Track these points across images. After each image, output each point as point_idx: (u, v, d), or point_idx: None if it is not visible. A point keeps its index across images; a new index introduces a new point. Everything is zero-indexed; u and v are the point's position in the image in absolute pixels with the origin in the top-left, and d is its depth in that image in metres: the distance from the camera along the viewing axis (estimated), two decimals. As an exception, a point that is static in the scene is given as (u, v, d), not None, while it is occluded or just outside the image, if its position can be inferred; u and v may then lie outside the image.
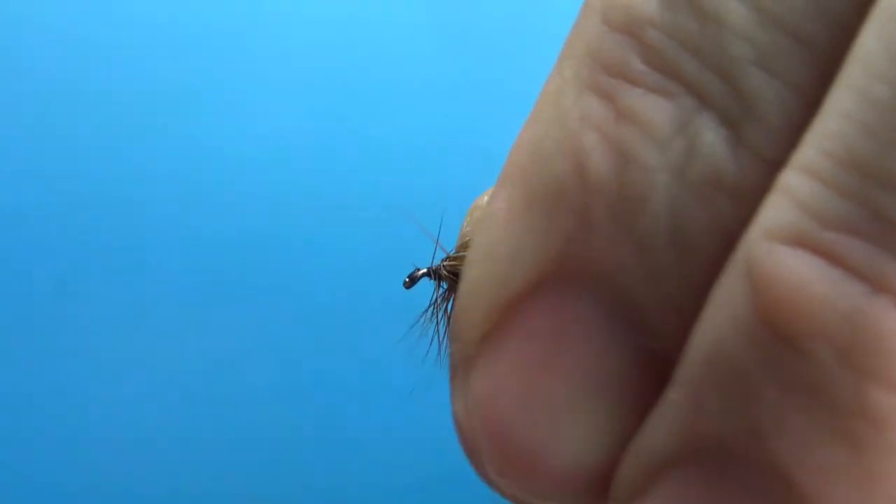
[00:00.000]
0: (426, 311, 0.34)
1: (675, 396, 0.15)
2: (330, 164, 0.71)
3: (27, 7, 0.74)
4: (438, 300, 0.34)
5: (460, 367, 0.17)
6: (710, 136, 0.15)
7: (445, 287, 0.34)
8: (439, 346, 0.33)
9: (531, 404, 0.16)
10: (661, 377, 0.16)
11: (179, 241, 0.69)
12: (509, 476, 0.17)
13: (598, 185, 0.15)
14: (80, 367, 0.65)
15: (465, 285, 0.17)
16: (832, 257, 0.14)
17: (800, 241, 0.14)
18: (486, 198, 0.34)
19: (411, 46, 0.72)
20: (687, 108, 0.15)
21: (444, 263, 0.34)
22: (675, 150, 0.15)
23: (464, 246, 0.33)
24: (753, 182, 0.15)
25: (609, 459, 0.16)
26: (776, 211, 0.14)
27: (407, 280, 0.34)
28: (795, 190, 0.14)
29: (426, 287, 0.35)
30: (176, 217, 0.69)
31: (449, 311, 0.34)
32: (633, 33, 0.15)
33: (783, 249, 0.14)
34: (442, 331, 0.34)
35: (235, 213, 0.70)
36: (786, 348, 0.14)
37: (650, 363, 0.16)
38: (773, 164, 0.15)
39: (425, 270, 0.34)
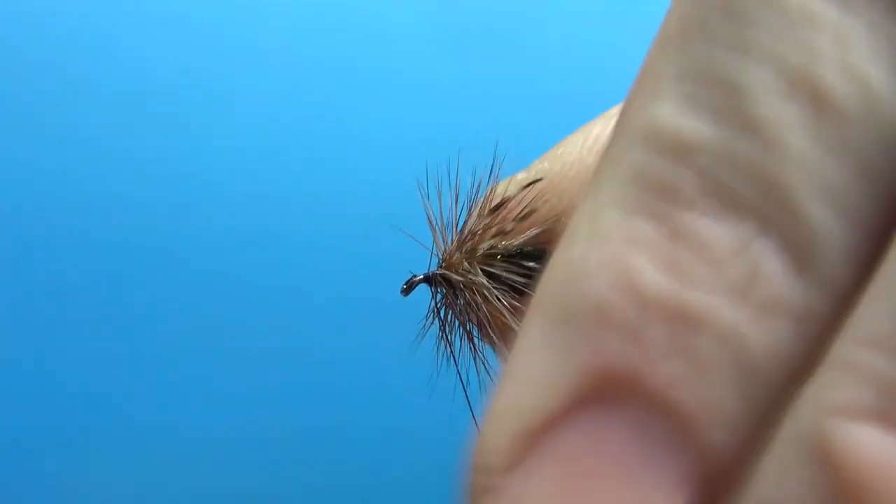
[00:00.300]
0: (425, 317, 0.34)
1: None
2: (330, 164, 0.71)
3: (28, 7, 0.74)
4: (436, 306, 0.34)
5: (483, 501, 0.16)
6: (772, 261, 0.15)
7: (442, 293, 0.34)
8: (437, 351, 0.34)
9: None
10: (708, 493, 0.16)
11: (180, 242, 0.69)
12: None
13: (650, 304, 0.15)
14: (79, 367, 0.65)
15: (490, 412, 0.17)
16: None
17: (876, 419, 0.14)
18: (521, 174, 0.34)
19: (411, 47, 0.72)
20: (746, 231, 0.15)
21: (440, 271, 0.35)
22: (735, 272, 0.15)
23: (492, 210, 0.33)
24: (816, 311, 0.15)
25: None
26: (850, 388, 0.14)
27: (404, 287, 0.34)
28: (865, 366, 0.14)
29: (424, 292, 0.35)
30: (177, 218, 0.69)
31: (446, 317, 0.35)
32: (684, 157, 0.15)
33: (859, 429, 0.14)
34: (440, 335, 0.34)
35: (236, 214, 0.70)
36: None
37: (696, 486, 0.16)
38: (835, 297, 0.15)
39: (422, 277, 0.35)
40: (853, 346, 0.14)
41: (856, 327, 0.14)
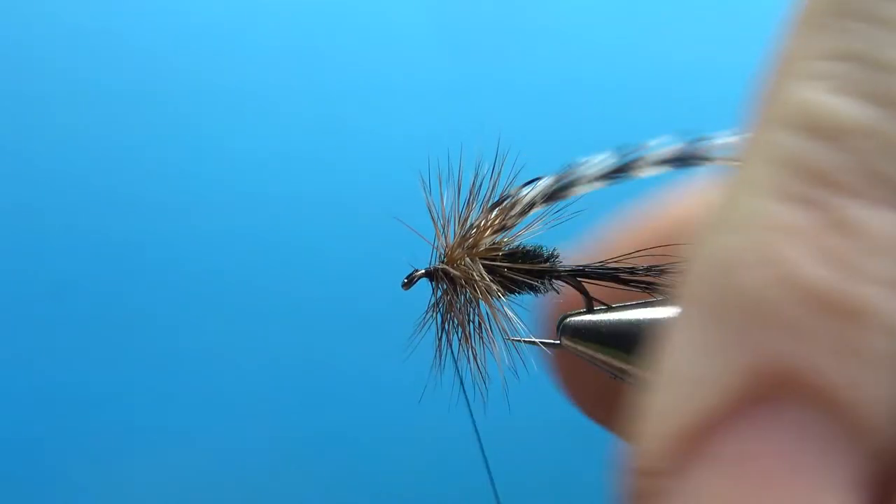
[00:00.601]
0: (426, 311, 0.34)
1: None
2: (329, 164, 0.71)
3: (29, 6, 0.74)
4: (437, 300, 0.34)
5: (651, 460, 0.16)
6: None
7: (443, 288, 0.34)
8: (438, 346, 0.34)
9: None
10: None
11: (180, 242, 0.69)
12: None
13: (814, 299, 0.15)
14: (79, 367, 0.65)
15: (649, 413, 0.16)
16: None
17: None
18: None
19: (414, 45, 0.72)
20: None
21: (441, 266, 0.35)
22: None
23: (509, 206, 0.33)
24: None
25: None
26: None
27: (405, 281, 0.34)
28: None
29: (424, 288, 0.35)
30: (177, 218, 0.69)
31: (447, 312, 0.35)
32: (842, 141, 0.15)
33: None
34: (439, 331, 0.34)
35: (236, 214, 0.70)
36: None
37: (869, 485, 0.15)
38: None
39: (424, 271, 0.35)
40: None
41: None
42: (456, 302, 0.34)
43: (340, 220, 0.68)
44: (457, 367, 0.33)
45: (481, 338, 0.34)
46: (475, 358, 0.33)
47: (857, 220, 0.14)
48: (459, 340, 0.34)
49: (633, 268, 0.33)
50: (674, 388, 0.16)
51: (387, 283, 0.35)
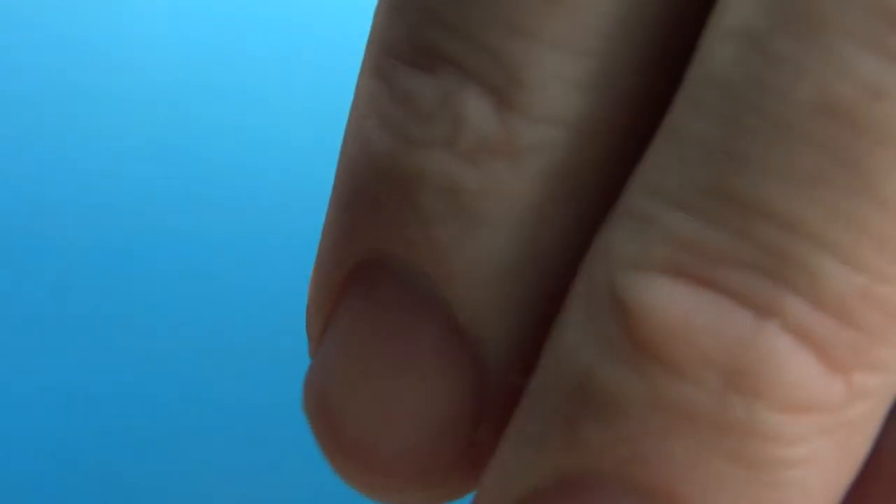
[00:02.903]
0: None
1: (535, 424, 0.14)
2: (329, 163, 0.71)
3: (28, 7, 0.74)
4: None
5: (310, 354, 0.17)
6: (474, 105, 0.15)
7: None
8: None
9: (357, 393, 0.16)
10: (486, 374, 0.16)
11: (179, 242, 0.69)
12: (346, 471, 0.16)
13: (377, 166, 0.15)
14: (79, 367, 0.65)
15: (313, 271, 0.17)
16: (714, 287, 0.13)
17: (675, 273, 0.13)
18: None
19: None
20: (449, 81, 0.15)
21: None
22: (441, 121, 0.15)
23: None
24: (525, 141, 0.15)
25: (440, 449, 0.16)
26: (639, 240, 0.14)
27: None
28: (660, 219, 0.14)
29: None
30: (176, 218, 0.69)
31: None
32: (401, 14, 0.15)
33: (658, 281, 0.14)
34: None
35: (236, 214, 0.70)
36: (671, 377, 0.13)
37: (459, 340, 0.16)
38: (546, 122, 0.15)
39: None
40: (644, 198, 0.14)
41: (645, 175, 0.14)
42: None
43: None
44: None
45: None
46: None
47: (404, 87, 0.15)
48: None
49: None
50: (321, 252, 0.16)
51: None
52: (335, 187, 0.16)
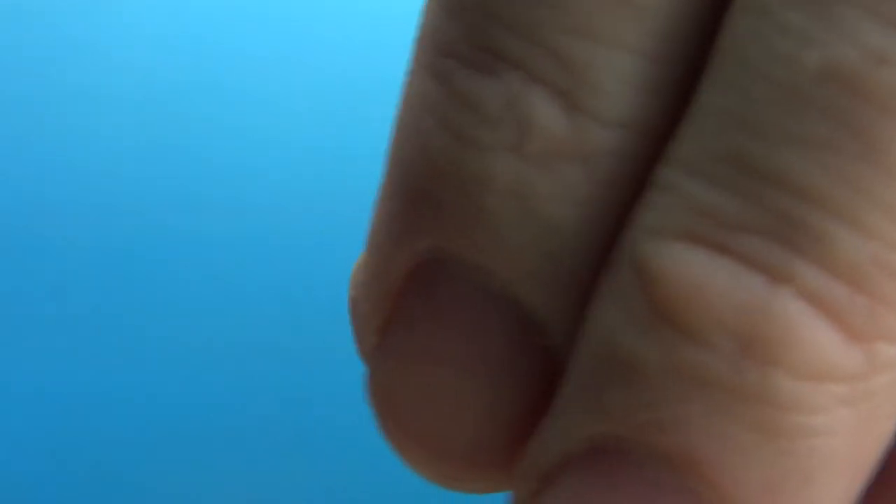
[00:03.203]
0: None
1: (569, 393, 0.15)
2: (329, 163, 0.71)
3: (28, 6, 0.74)
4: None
5: (365, 360, 0.17)
6: (541, 108, 0.15)
7: None
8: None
9: (429, 391, 0.16)
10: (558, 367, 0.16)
11: (180, 242, 0.69)
12: (419, 464, 0.17)
13: (439, 168, 0.15)
14: (79, 367, 0.65)
15: (358, 272, 0.17)
16: (728, 253, 0.14)
17: (692, 239, 0.14)
18: None
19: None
20: (514, 83, 0.15)
21: None
22: (507, 125, 0.15)
23: None
24: (595, 145, 0.15)
25: (510, 440, 0.16)
26: (661, 208, 0.14)
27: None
28: (680, 188, 0.14)
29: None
30: (176, 218, 0.69)
31: None
32: (459, 14, 0.15)
33: (675, 246, 0.14)
34: None
35: (237, 214, 0.70)
36: (687, 343, 0.14)
37: (545, 351, 0.16)
38: (615, 125, 0.15)
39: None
40: (666, 168, 0.14)
41: (671, 148, 0.14)
42: None
43: (339, 215, 0.68)
44: None
45: None
46: None
47: (465, 89, 0.15)
48: None
49: None
50: (372, 255, 0.16)
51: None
52: (387, 186, 0.16)
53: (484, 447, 0.16)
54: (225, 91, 0.73)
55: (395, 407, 0.16)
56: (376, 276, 0.16)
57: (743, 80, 0.14)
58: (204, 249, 0.69)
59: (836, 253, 0.13)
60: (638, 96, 0.15)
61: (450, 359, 0.16)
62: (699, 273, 0.14)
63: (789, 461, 0.14)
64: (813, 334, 0.13)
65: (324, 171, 0.71)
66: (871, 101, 0.13)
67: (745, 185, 0.14)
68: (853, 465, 0.14)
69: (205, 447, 0.63)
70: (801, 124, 0.14)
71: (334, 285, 0.69)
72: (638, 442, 0.14)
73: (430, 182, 0.15)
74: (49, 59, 0.73)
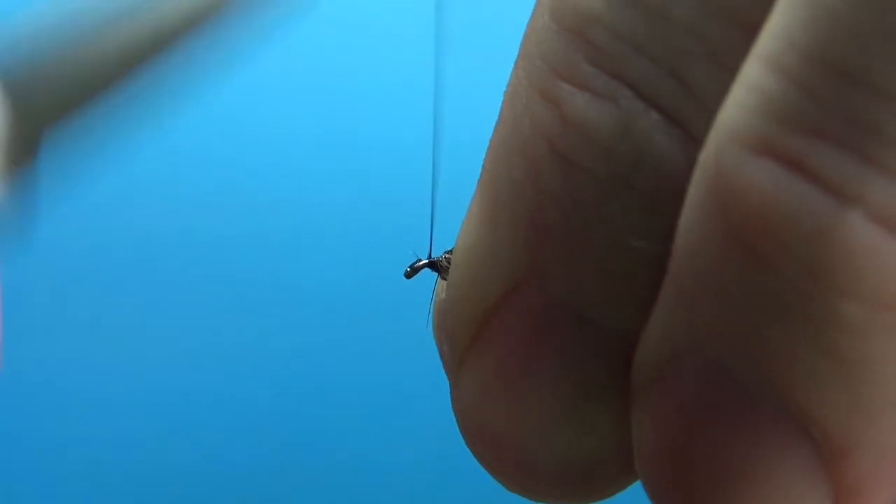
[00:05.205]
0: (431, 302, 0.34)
1: (661, 313, 0.15)
2: (328, 163, 0.71)
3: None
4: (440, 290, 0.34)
5: (452, 370, 0.17)
6: (658, 137, 0.14)
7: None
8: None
9: (515, 408, 0.16)
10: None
11: (180, 242, 0.69)
12: (508, 479, 0.17)
13: (550, 196, 0.15)
14: (78, 368, 0.65)
15: (450, 286, 0.17)
16: (799, 166, 0.13)
17: (765, 148, 0.13)
18: None
19: (411, 48, 0.72)
20: (632, 110, 0.14)
21: (445, 255, 0.34)
22: (621, 155, 0.15)
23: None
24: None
25: (600, 454, 0.16)
26: (740, 110, 0.13)
27: (408, 270, 0.34)
28: (761, 87, 0.13)
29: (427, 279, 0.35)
30: (176, 218, 0.69)
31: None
32: (581, 32, 0.15)
33: (748, 158, 0.13)
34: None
35: (237, 214, 0.70)
36: (758, 265, 0.13)
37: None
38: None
39: (427, 261, 0.34)
40: (755, 66, 0.14)
41: (758, 48, 0.14)
42: None
43: (339, 215, 0.68)
44: None
45: None
46: None
47: (580, 115, 0.15)
48: None
49: None
50: (469, 268, 0.16)
51: (388, 277, 0.35)
52: (489, 202, 0.16)
53: (573, 467, 0.16)
54: (225, 91, 0.73)
55: (483, 423, 0.16)
56: (470, 293, 0.16)
57: None
58: (204, 249, 0.69)
59: None
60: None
61: (544, 380, 0.16)
62: (769, 191, 0.13)
63: (867, 388, 0.14)
64: (881, 260, 0.13)
65: (326, 172, 0.71)
66: None
67: (826, 85, 0.13)
68: None
69: (205, 447, 0.63)
70: (888, 25, 0.13)
71: (337, 284, 0.69)
72: (721, 356, 0.14)
73: (540, 212, 0.15)
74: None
